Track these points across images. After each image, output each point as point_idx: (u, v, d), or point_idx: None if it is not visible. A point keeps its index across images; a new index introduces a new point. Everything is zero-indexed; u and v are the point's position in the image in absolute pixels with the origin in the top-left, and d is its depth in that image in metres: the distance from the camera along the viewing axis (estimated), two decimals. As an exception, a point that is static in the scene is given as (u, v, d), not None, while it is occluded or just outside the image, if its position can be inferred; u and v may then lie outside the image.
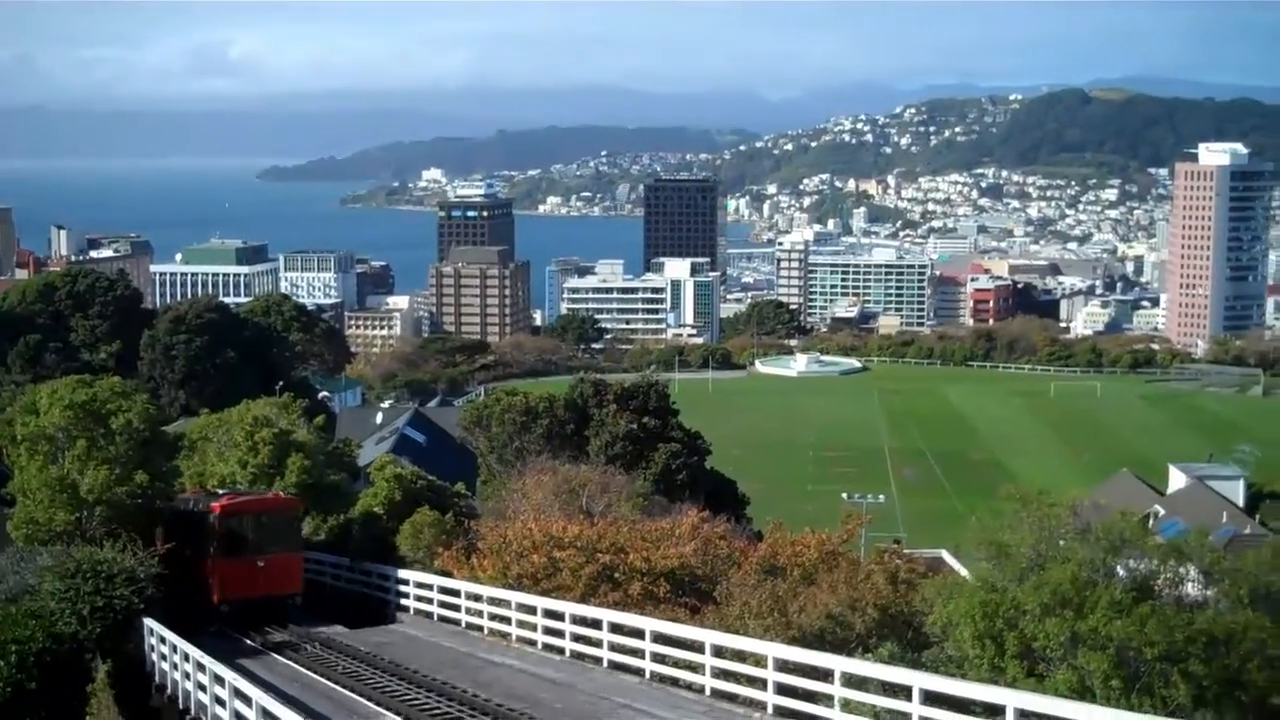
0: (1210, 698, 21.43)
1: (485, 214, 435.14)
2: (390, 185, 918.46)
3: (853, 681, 22.30)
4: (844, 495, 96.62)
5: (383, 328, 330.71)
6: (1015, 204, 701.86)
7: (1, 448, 43.47)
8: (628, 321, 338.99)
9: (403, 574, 40.49)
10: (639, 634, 28.05)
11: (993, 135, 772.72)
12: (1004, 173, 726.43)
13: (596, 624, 29.67)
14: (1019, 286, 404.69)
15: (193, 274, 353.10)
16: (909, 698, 20.79)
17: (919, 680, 20.91)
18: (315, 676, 30.79)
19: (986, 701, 19.87)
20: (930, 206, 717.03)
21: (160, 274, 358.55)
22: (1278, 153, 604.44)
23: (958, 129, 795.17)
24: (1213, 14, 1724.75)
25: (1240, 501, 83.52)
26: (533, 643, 32.15)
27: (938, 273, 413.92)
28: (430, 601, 38.14)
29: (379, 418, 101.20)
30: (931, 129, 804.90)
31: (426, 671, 29.85)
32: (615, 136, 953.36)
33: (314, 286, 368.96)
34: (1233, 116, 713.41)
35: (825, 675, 22.75)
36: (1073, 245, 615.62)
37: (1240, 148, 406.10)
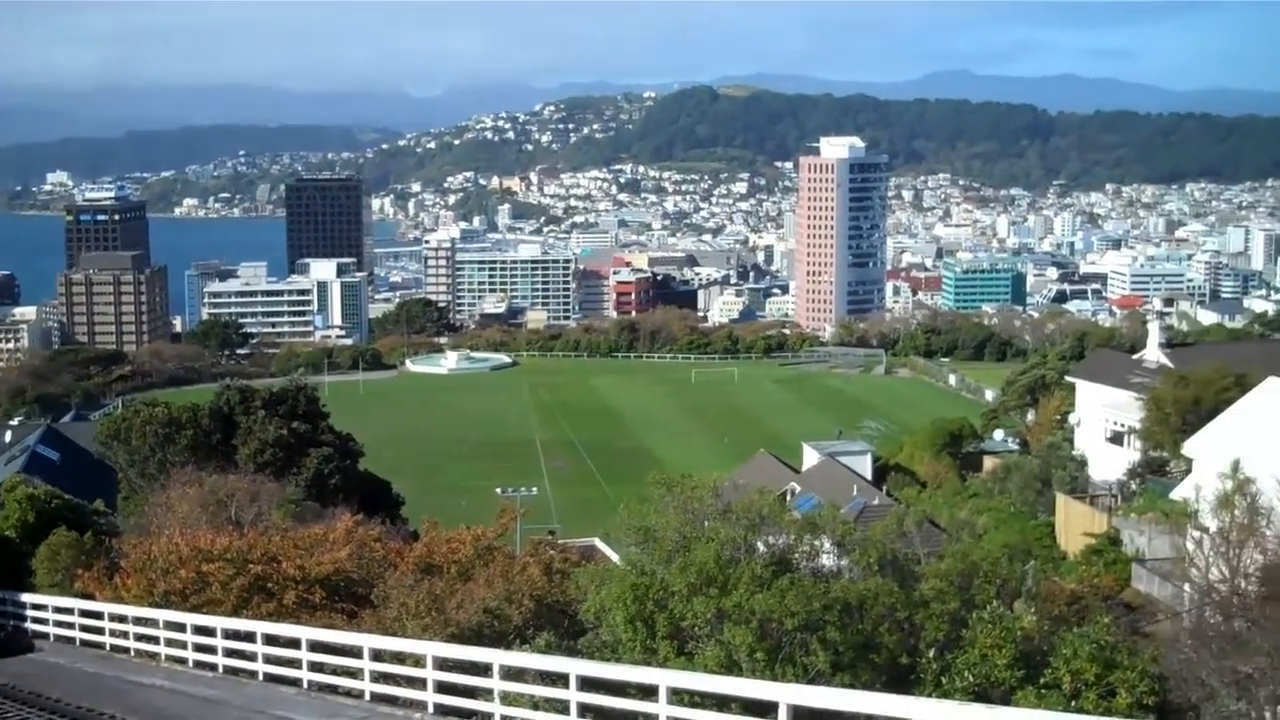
0: (847, 662, 22.51)
1: (116, 217, 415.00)
2: (12, 189, 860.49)
3: (511, 673, 22.58)
4: (498, 490, 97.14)
5: (8, 340, 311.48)
6: (653, 198, 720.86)
7: None
8: (274, 325, 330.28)
9: (40, 599, 38.49)
10: (295, 644, 27.62)
11: (629, 132, 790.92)
12: (641, 168, 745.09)
13: (250, 637, 29.03)
14: (659, 278, 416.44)
15: None
16: (567, 685, 21.18)
17: (575, 667, 21.34)
18: (-54, 714, 28.98)
19: (641, 682, 20.44)
20: (572, 202, 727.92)
21: None
22: (891, 145, 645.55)
23: (596, 126, 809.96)
24: (827, 14, 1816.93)
25: (868, 474, 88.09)
26: (184, 661, 31.17)
27: (581, 267, 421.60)
28: (72, 626, 36.39)
29: (7, 436, 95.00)
30: (570, 126, 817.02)
31: (70, 699, 28.50)
32: (255, 136, 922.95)
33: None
34: (850, 111, 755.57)
35: (485, 670, 22.95)
36: (707, 237, 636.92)
37: (858, 141, 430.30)
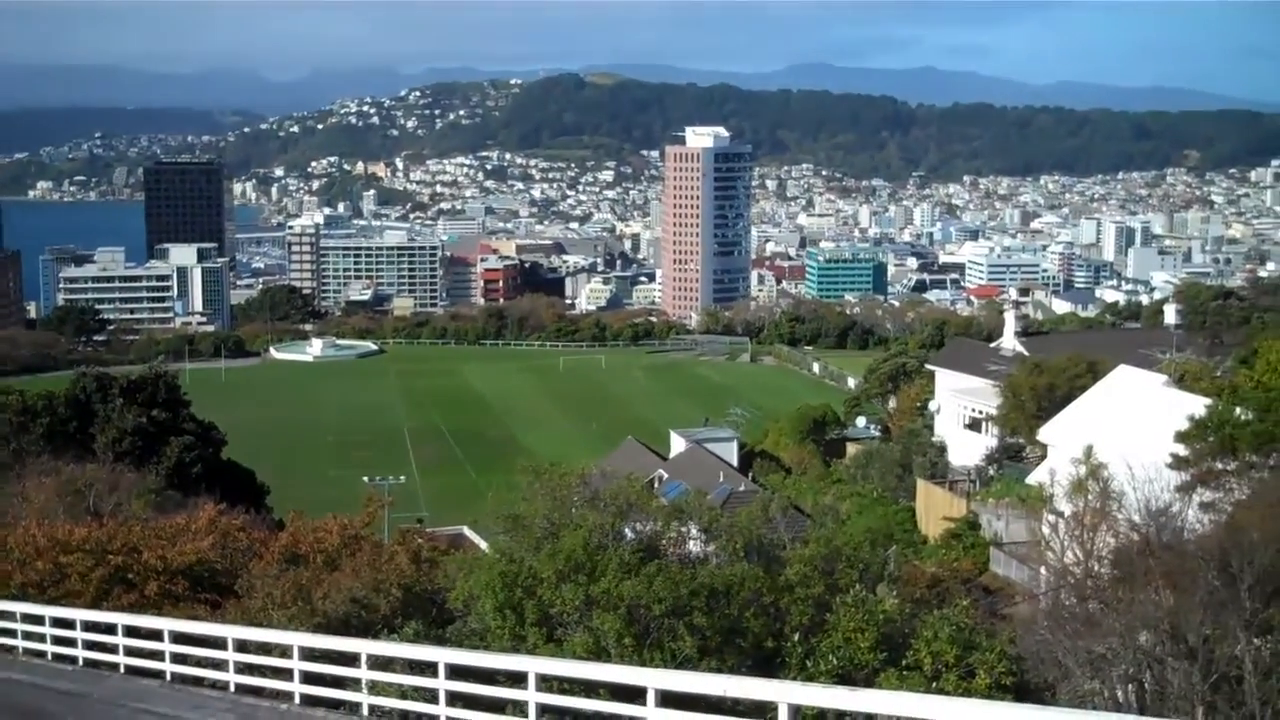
0: (714, 647, 22.78)
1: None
2: None
3: (379, 663, 22.50)
4: (365, 478, 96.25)
5: None
6: (520, 185, 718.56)
7: None
8: (132, 311, 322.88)
9: (-113, 594, 37.33)
10: (157, 635, 27.18)
11: (495, 118, 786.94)
12: (508, 155, 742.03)
13: (111, 629, 28.49)
14: (526, 266, 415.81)
15: None
16: (435, 673, 21.17)
17: (444, 655, 21.32)
18: None
19: (509, 669, 20.53)
20: (438, 189, 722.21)
21: None
22: (755, 135, 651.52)
23: (462, 112, 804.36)
24: (691, 4, 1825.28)
25: (734, 461, 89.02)
26: (42, 654, 30.51)
27: (448, 254, 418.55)
28: (-79, 620, 35.36)
29: None
30: (436, 112, 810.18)
31: (-79, 696, 27.79)
32: (111, 118, 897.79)
33: None
34: (714, 101, 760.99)
35: (353, 659, 22.85)
36: (575, 225, 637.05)
37: (722, 131, 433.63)
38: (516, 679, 20.35)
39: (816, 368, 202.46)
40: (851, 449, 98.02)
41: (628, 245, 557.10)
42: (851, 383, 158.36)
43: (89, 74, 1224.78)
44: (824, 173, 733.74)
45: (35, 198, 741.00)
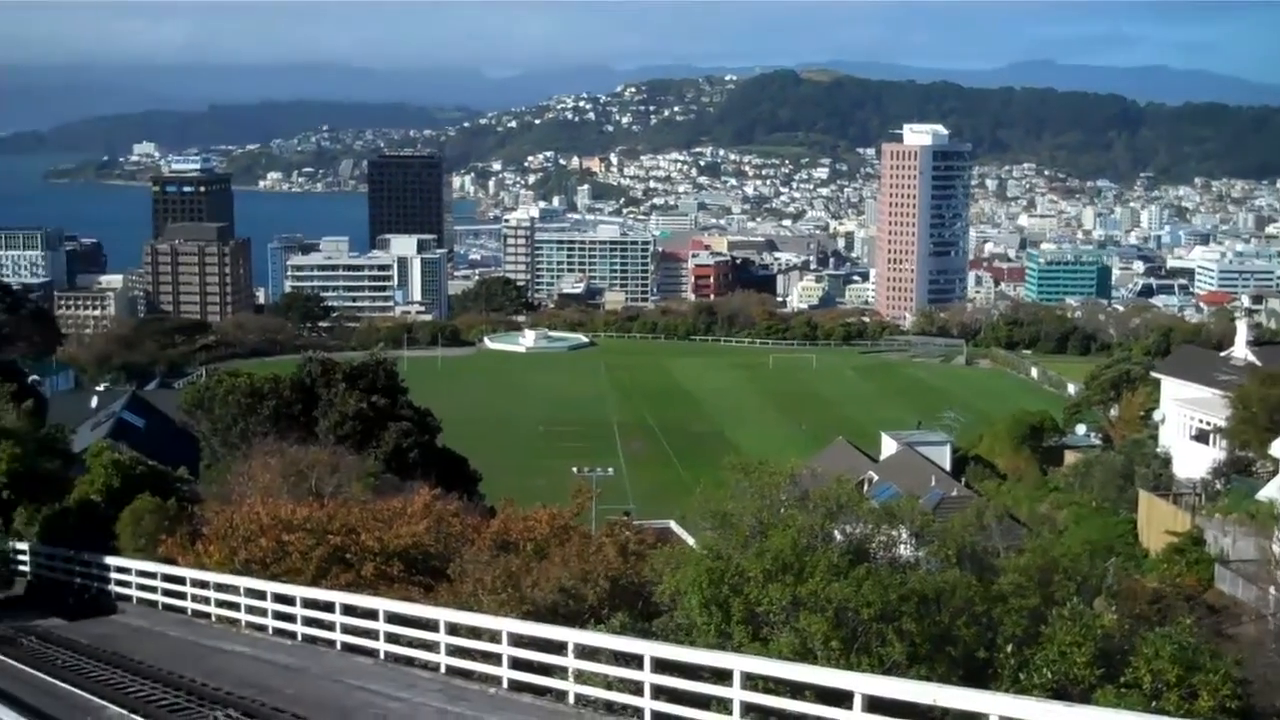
0: (923, 654, 22.39)
1: (202, 189, 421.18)
2: (99, 160, 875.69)
3: (585, 652, 22.68)
4: (574, 469, 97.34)
5: (95, 308, 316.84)
6: (733, 182, 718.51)
7: None
8: (354, 299, 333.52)
9: (123, 562, 39.19)
10: (372, 615, 27.89)
11: (710, 115, 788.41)
12: (721, 151, 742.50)
13: (329, 607, 29.37)
14: (738, 262, 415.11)
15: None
16: (640, 666, 21.24)
17: (649, 649, 21.39)
18: (33, 671, 29.55)
19: (714, 666, 20.47)
20: (652, 184, 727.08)
21: None
22: (975, 133, 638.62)
23: (676, 108, 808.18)
24: (910, 1, 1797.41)
25: (947, 465, 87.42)
26: (263, 628, 31.62)
27: (660, 249, 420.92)
28: (154, 590, 37.04)
29: (94, 402, 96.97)
30: (651, 108, 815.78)
31: (152, 662, 29.01)
32: (335, 112, 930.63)
33: (19, 265, 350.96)
34: (934, 98, 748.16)
35: (559, 648, 23.08)
36: (787, 222, 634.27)
37: (941, 129, 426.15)
38: (721, 676, 20.28)
39: (1034, 372, 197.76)
40: (1070, 457, 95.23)
41: (841, 243, 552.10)
42: (1071, 389, 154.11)
43: (318, 70, 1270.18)
44: (1046, 173, 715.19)
45: (265, 188, 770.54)
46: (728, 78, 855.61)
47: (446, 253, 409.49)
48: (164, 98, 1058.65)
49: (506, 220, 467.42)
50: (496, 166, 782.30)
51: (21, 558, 44.71)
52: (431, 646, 26.32)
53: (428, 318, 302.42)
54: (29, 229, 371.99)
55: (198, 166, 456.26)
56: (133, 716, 24.64)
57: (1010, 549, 30.97)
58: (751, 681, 19.79)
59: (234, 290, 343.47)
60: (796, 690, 19.45)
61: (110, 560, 39.84)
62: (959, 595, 23.37)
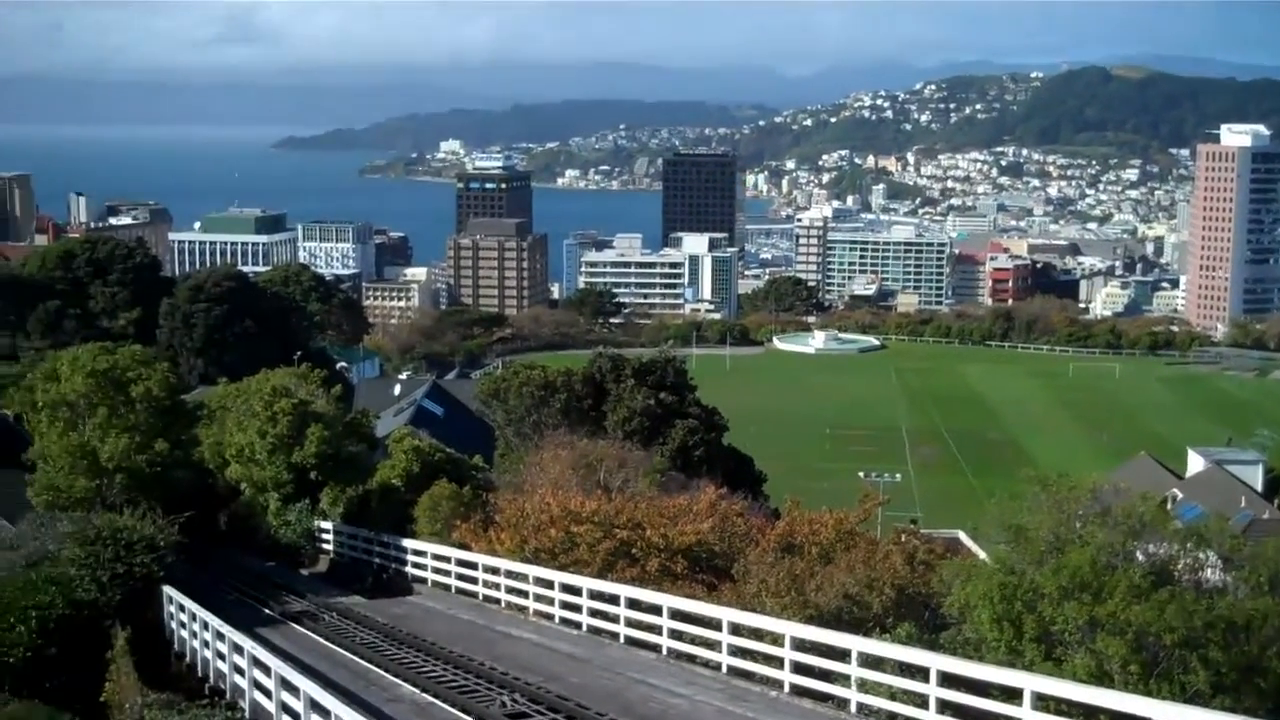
0: (1229, 684, 21.37)
1: (503, 186, 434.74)
2: (408, 156, 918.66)
3: (870, 661, 22.30)
4: (860, 473, 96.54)
5: (400, 299, 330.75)
6: (1035, 183, 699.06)
7: (22, 414, 43.71)
8: (645, 296, 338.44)
9: (420, 545, 40.62)
10: (656, 610, 28.07)
11: (1013, 113, 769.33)
12: (1024, 151, 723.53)
13: (614, 599, 29.70)
14: (1038, 266, 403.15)
15: (211, 243, 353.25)
16: (926, 679, 20.77)
17: (936, 661, 20.89)
18: (333, 646, 30.94)
19: (1004, 684, 19.82)
20: (949, 184, 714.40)
21: (179, 242, 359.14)
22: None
23: (978, 106, 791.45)
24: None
25: (1259, 486, 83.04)
26: (550, 617, 32.22)
27: (956, 251, 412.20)
28: (448, 574, 38.23)
29: (397, 389, 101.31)
30: (951, 106, 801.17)
31: (443, 643, 29.96)
32: (633, 110, 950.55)
33: (332, 257, 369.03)
34: (1254, 97, 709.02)
35: (843, 655, 22.73)
36: (1092, 225, 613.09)
37: (1263, 129, 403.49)
38: (1011, 694, 19.63)
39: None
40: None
41: (1150, 248, 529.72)
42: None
43: (613, 68, 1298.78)
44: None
45: (562, 185, 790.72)
46: (1033, 74, 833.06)
47: (737, 251, 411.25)
48: (471, 96, 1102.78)
49: (799, 219, 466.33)
50: (790, 165, 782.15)
51: (326, 536, 46.93)
52: (713, 645, 26.29)
53: (717, 316, 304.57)
54: (342, 223, 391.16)
55: (500, 164, 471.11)
56: (424, 695, 25.46)
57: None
58: (1043, 702, 19.09)
59: (530, 284, 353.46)
60: (1090, 715, 18.80)
61: (408, 543, 41.36)
62: (1271, 624, 22.07)
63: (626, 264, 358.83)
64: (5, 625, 29.89)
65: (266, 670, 24.03)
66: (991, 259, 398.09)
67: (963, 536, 65.94)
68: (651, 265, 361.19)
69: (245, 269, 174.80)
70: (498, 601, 34.93)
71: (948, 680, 20.51)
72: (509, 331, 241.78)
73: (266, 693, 23.99)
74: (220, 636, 27.26)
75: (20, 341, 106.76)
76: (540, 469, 46.32)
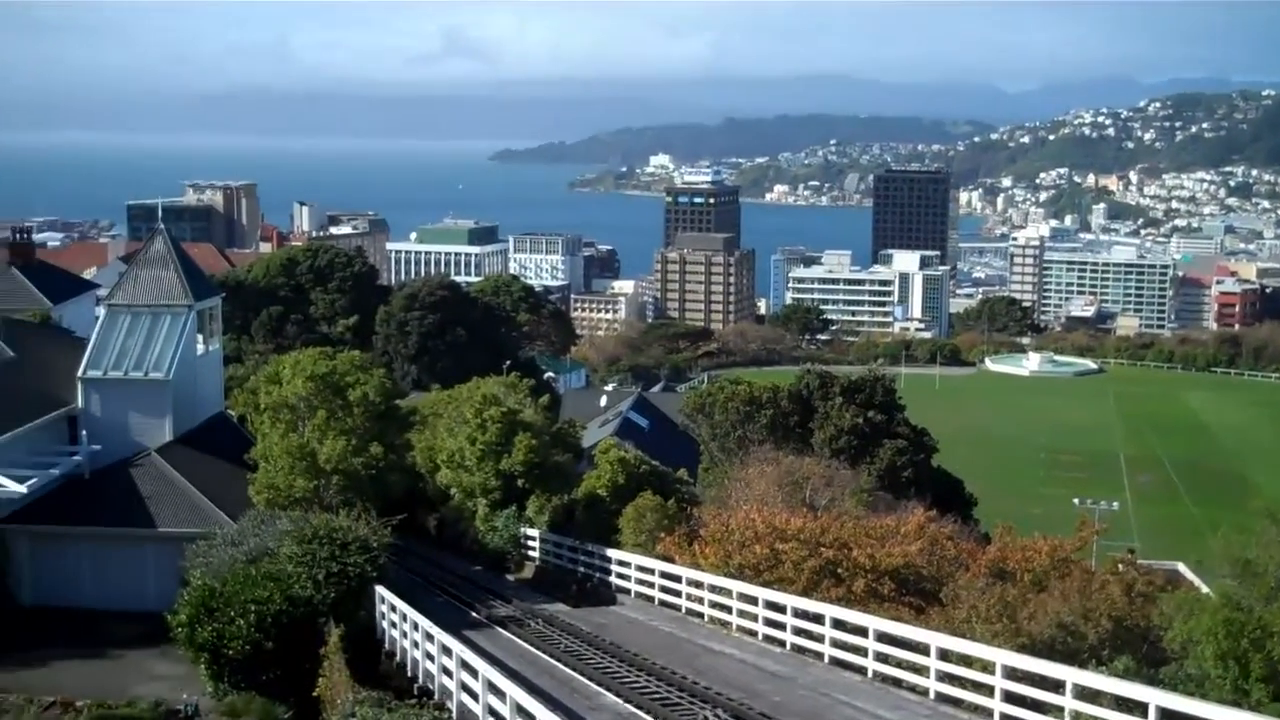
0: None
1: (711, 201, 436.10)
2: (618, 170, 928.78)
3: (1085, 694, 21.54)
4: (1075, 500, 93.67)
5: (608, 311, 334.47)
6: (1265, 204, 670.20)
7: (246, 414, 45.35)
8: (853, 313, 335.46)
9: (625, 556, 40.83)
10: (862, 632, 27.62)
11: (1243, 132, 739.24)
12: (1254, 171, 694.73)
13: (819, 619, 29.34)
14: (1268, 291, 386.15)
15: (426, 253, 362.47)
16: (1144, 715, 19.96)
17: (1156, 698, 20.06)
18: (538, 652, 31.27)
19: (1227, 725, 18.93)
20: (1174, 205, 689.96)
21: (395, 252, 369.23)
22: None
23: (1205, 125, 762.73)
24: None
25: None
26: (753, 633, 32.00)
27: (1180, 274, 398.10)
28: (651, 586, 38.35)
29: (603, 400, 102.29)
30: (1177, 124, 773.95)
31: (645, 654, 30.00)
32: (845, 126, 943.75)
33: (542, 268, 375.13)
34: None
35: (1056, 686, 22.01)
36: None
37: None
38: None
39: None
40: None
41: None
42: None
43: (826, 84, 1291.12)
44: None
45: (771, 200, 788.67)
46: (1264, 92, 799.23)
47: (949, 270, 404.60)
48: (682, 109, 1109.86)
49: (1014, 238, 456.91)
50: (1006, 183, 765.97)
51: (531, 543, 47.56)
52: (921, 670, 25.72)
53: (927, 335, 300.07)
54: (552, 235, 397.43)
55: (709, 178, 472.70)
56: (626, 705, 25.49)
57: None
58: (1272, 746, 18.10)
59: (737, 299, 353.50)
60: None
61: (612, 553, 41.60)
62: None
63: (835, 280, 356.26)
64: (226, 619, 31.01)
65: (474, 673, 24.37)
66: (1218, 282, 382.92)
67: (1183, 568, 63.41)
68: (860, 282, 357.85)
69: (458, 279, 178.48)
70: (700, 615, 34.85)
71: (1168, 718, 19.67)
72: (715, 346, 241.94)
73: (474, 695, 24.32)
74: (430, 638, 27.78)
75: (245, 345, 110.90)
76: (745, 485, 46.17)
